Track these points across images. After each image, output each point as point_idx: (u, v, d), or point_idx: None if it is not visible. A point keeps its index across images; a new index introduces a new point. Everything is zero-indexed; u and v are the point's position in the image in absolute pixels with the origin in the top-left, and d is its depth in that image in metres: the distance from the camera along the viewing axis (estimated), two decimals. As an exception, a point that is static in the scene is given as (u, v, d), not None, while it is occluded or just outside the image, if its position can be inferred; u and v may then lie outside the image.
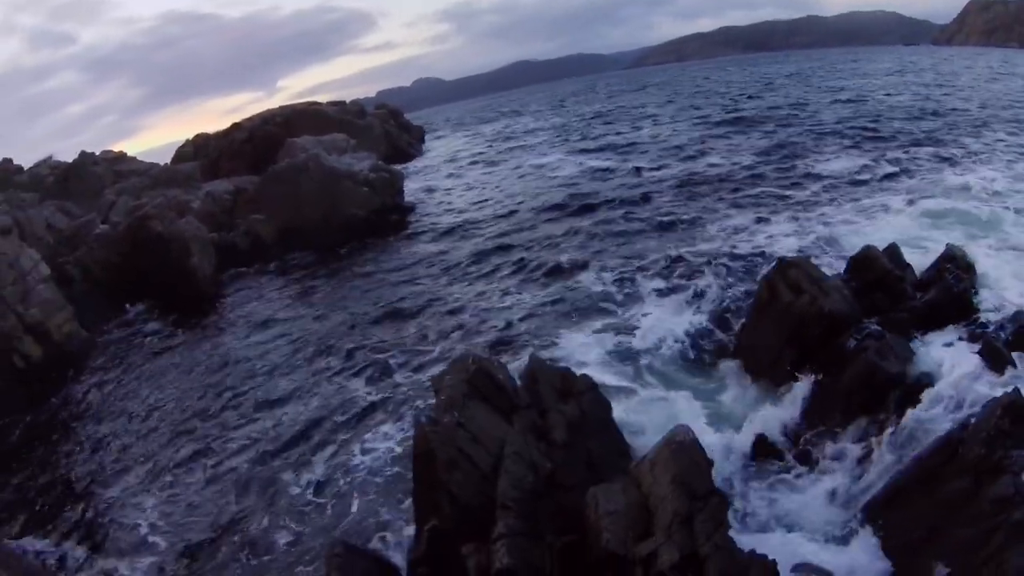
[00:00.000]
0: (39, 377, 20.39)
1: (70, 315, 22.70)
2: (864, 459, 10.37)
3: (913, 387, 10.93)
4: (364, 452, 14.17)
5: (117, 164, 46.23)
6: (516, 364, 14.30)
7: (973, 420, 8.90)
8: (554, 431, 10.22)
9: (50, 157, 47.94)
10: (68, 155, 45.67)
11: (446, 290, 23.15)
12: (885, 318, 12.87)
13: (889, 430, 10.28)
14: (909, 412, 10.22)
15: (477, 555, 8.26)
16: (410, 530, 10.56)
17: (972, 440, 8.57)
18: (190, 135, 56.00)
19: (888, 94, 52.51)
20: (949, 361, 11.33)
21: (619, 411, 11.99)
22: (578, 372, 11.88)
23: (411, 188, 40.20)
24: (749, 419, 12.11)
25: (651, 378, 14.66)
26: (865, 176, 27.66)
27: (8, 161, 47.50)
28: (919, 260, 15.27)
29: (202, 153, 51.24)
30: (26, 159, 48.07)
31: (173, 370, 20.96)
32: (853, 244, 17.85)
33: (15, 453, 17.45)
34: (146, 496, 14.46)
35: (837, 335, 12.36)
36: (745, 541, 8.35)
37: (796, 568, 8.62)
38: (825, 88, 61.50)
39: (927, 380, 11.04)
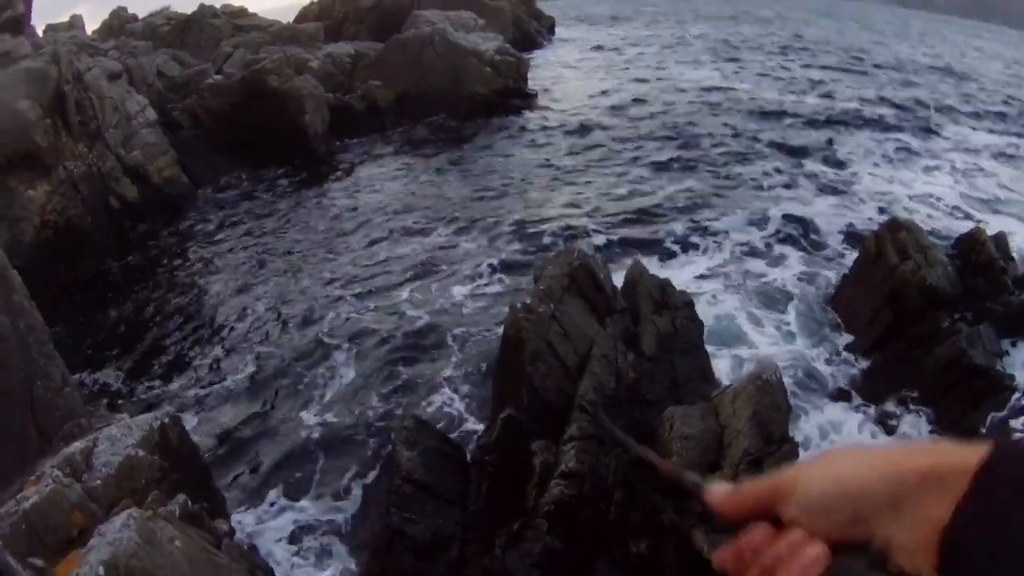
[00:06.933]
0: (133, 218, 21.24)
1: (172, 159, 23.59)
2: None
3: (996, 385, 10.96)
4: (455, 338, 14.54)
5: (237, 18, 46.88)
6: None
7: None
8: (644, 342, 10.22)
9: (167, 7, 48.78)
10: (184, 8, 46.21)
11: (564, 176, 23.79)
12: (981, 306, 12.63)
13: (964, 422, 10.58)
14: (989, 412, 10.51)
15: (546, 453, 8.40)
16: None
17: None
18: (312, -1, 56.21)
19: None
20: (1036, 370, 11.34)
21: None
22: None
23: (536, 76, 39.74)
24: (833, 372, 12.83)
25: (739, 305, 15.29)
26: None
27: (122, 9, 48.57)
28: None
29: (326, 15, 51.60)
30: (140, 9, 48.85)
31: (270, 221, 21.91)
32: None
33: (96, 291, 18.39)
34: (220, 342, 15.30)
35: (934, 311, 12.36)
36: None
37: None
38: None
39: (1011, 382, 11.04)
